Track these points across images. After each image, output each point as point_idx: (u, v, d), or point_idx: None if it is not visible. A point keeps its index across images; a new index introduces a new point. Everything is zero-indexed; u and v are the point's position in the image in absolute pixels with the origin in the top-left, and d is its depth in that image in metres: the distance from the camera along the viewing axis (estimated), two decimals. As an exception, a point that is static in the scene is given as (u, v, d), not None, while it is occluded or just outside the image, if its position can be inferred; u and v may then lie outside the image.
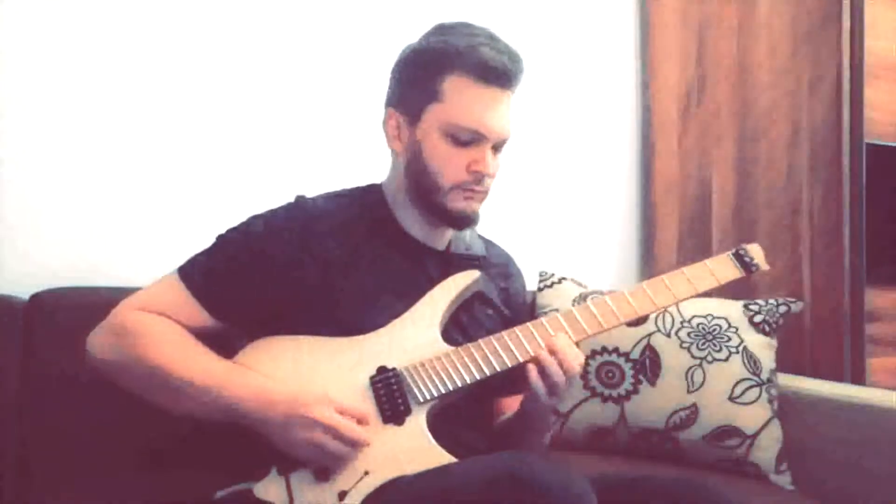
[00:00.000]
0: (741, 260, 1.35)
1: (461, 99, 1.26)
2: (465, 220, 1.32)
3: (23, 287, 1.58)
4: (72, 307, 1.51)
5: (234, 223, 1.32)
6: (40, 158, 1.71)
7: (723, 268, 1.34)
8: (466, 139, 1.27)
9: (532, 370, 1.22)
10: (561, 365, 1.21)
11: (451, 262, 1.36)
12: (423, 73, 1.28)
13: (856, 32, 2.25)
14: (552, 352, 1.22)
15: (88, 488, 1.45)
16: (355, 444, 1.16)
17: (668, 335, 1.84)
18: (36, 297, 1.54)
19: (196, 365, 1.21)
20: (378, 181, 1.40)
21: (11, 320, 1.51)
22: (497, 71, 1.26)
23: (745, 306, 1.89)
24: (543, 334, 1.25)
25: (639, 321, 1.81)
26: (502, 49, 1.27)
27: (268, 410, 1.16)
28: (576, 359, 1.22)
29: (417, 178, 1.30)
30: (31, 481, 1.47)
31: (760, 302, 1.91)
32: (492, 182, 1.32)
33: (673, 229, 2.38)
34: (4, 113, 1.68)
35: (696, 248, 2.35)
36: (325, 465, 1.16)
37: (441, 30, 1.32)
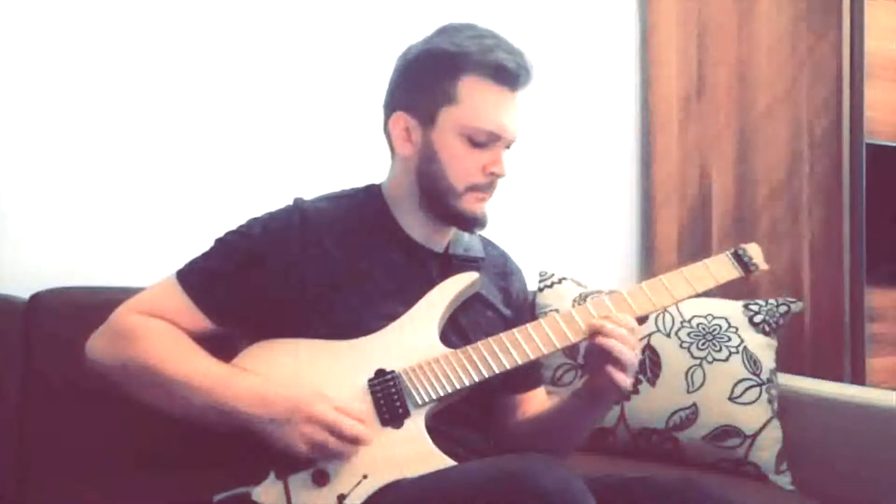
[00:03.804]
0: (740, 260, 1.34)
1: (477, 101, 1.26)
2: (476, 222, 1.32)
3: (23, 287, 1.57)
4: (72, 307, 1.50)
5: (234, 225, 1.31)
6: (41, 159, 1.71)
7: (722, 267, 1.34)
8: (482, 140, 1.27)
9: (605, 345, 1.21)
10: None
11: (451, 264, 1.35)
12: (435, 76, 1.27)
13: (856, 32, 2.25)
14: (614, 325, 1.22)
15: (87, 490, 1.45)
16: (355, 441, 1.15)
17: (668, 335, 1.84)
18: (36, 297, 1.53)
19: (193, 367, 1.21)
20: (376, 182, 1.40)
21: (11, 320, 1.51)
22: (511, 72, 1.26)
23: (745, 306, 1.89)
24: (541, 336, 1.24)
25: (638, 321, 1.81)
26: (513, 50, 1.28)
27: (265, 411, 1.16)
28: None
29: (431, 180, 1.29)
30: (30, 482, 1.47)
31: (760, 302, 1.91)
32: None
33: (673, 229, 2.38)
34: (4, 113, 1.68)
35: (696, 248, 2.35)
36: (323, 467, 1.16)
37: (448, 32, 1.31)
